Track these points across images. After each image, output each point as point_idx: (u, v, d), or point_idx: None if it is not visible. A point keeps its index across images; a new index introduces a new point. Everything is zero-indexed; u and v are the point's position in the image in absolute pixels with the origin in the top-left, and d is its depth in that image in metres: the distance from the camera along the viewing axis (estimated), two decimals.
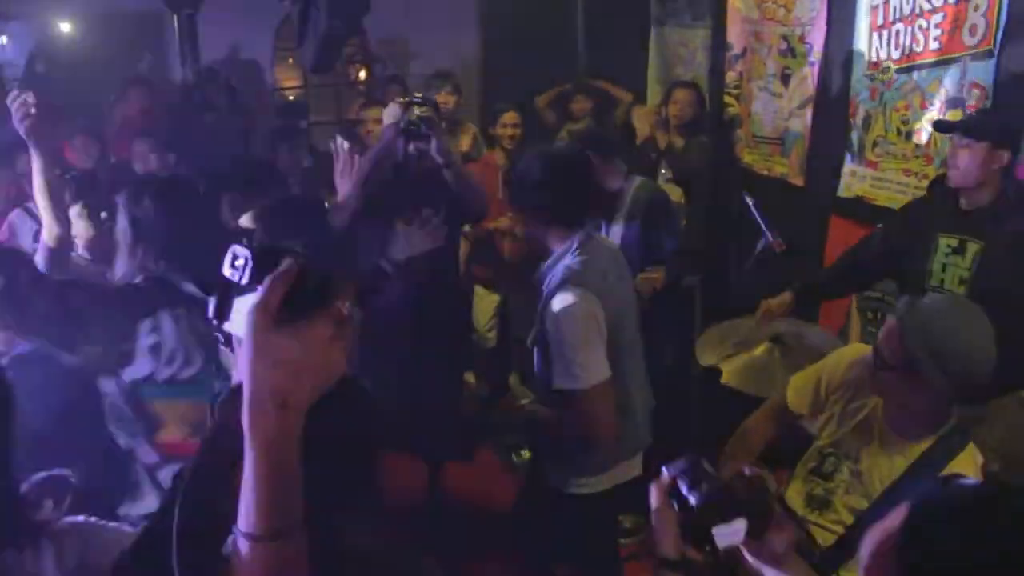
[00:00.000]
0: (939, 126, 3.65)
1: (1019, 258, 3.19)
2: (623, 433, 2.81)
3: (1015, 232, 3.22)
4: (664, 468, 1.62)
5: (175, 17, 6.31)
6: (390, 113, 3.82)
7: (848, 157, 4.75)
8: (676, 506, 1.57)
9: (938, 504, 1.18)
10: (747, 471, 1.61)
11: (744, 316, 3.75)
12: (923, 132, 4.25)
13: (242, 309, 1.01)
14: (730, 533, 1.53)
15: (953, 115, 4.06)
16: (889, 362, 2.19)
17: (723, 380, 3.36)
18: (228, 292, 1.04)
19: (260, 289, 0.98)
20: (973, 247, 3.32)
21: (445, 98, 5.65)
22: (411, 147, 3.78)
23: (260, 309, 0.97)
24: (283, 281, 0.98)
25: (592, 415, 2.70)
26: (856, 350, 2.68)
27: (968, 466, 2.20)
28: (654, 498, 1.60)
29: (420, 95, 4.12)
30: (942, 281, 3.42)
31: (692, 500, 1.55)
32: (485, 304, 5.43)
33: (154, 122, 5.59)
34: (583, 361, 2.66)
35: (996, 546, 1.11)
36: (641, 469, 3.03)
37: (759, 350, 3.44)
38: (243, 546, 1.03)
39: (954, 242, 3.39)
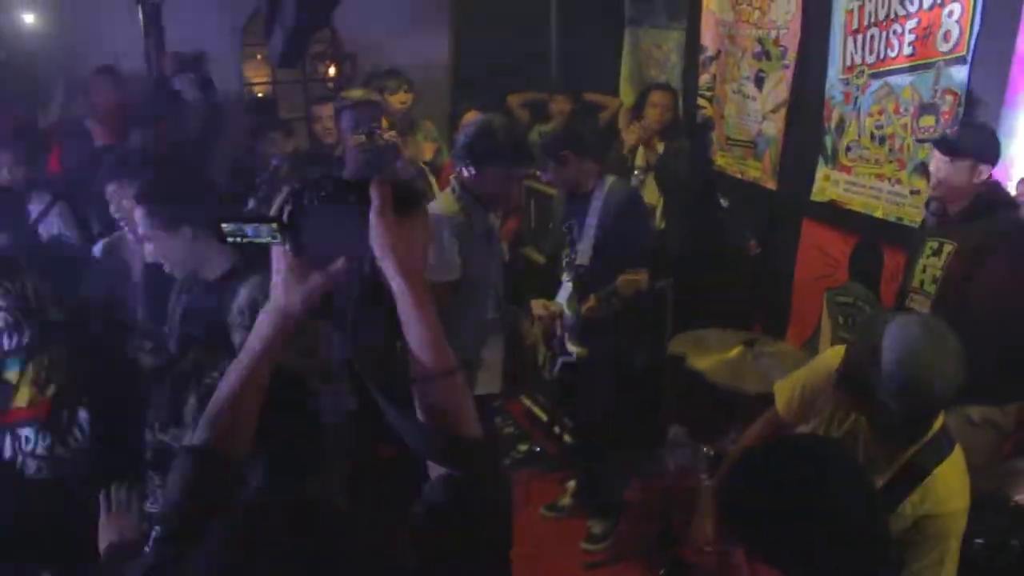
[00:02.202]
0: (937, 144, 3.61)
1: (981, 256, 3.25)
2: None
3: (983, 232, 3.27)
4: None
5: (140, 7, 6.16)
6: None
7: (821, 161, 4.74)
8: None
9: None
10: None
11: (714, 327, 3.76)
12: (896, 137, 4.25)
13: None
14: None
15: (926, 120, 4.08)
16: (850, 384, 2.17)
17: (704, 373, 3.37)
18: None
19: (375, 198, 1.25)
20: (948, 247, 3.38)
21: (402, 97, 5.59)
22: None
23: (382, 208, 1.26)
24: (385, 189, 1.26)
25: None
26: (838, 355, 2.65)
27: (956, 471, 2.18)
28: None
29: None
30: (922, 282, 3.47)
31: None
32: None
33: (123, 112, 5.47)
34: None
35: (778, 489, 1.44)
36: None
37: (734, 351, 3.43)
38: (439, 385, 1.29)
39: (935, 244, 3.45)
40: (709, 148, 5.69)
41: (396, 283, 1.28)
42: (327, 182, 1.29)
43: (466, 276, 3.37)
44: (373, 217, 1.26)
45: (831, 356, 2.48)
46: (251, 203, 4.04)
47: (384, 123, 4.18)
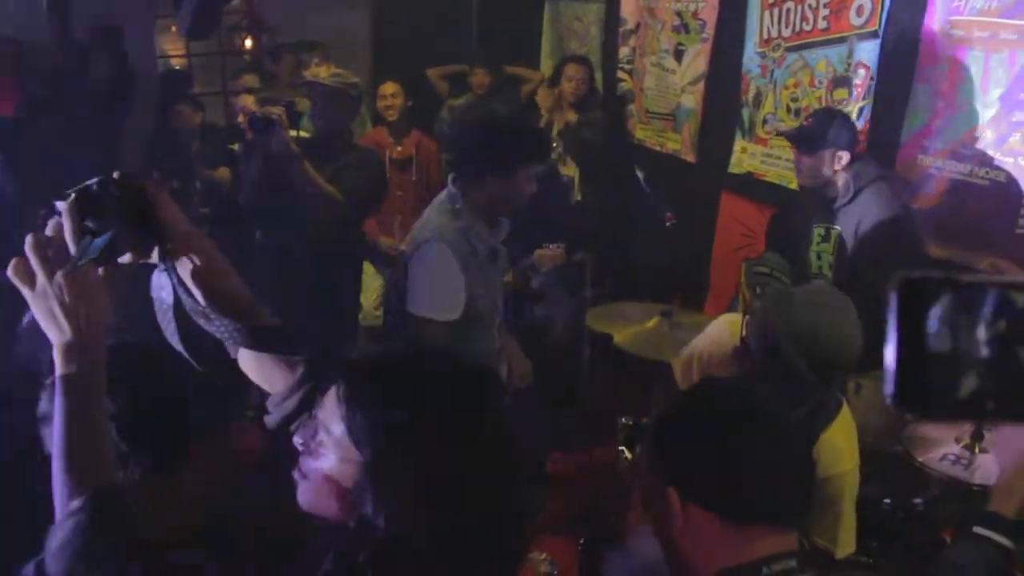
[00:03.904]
0: (791, 139, 3.66)
1: (867, 241, 3.33)
2: None
3: (859, 212, 3.37)
4: None
5: None
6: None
7: (739, 133, 4.78)
8: None
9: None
10: None
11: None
12: (811, 110, 4.30)
13: None
14: None
15: (840, 93, 4.14)
16: (754, 351, 2.18)
17: (616, 341, 3.35)
18: None
19: None
20: (834, 233, 3.49)
21: (315, 68, 5.47)
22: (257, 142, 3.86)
23: None
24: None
25: None
26: (734, 324, 2.68)
27: (844, 432, 2.22)
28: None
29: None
30: (820, 268, 3.57)
31: None
32: (372, 284, 5.28)
33: (19, 86, 5.24)
34: None
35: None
36: None
37: (650, 323, 3.45)
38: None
39: (823, 231, 3.55)
40: (628, 120, 5.70)
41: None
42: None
43: (469, 310, 2.90)
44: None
45: (725, 324, 2.50)
46: (155, 174, 3.92)
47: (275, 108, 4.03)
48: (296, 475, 1.24)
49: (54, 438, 1.27)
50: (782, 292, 2.24)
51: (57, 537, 1.23)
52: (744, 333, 2.22)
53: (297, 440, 1.24)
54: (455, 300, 2.85)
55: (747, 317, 2.26)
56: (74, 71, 5.46)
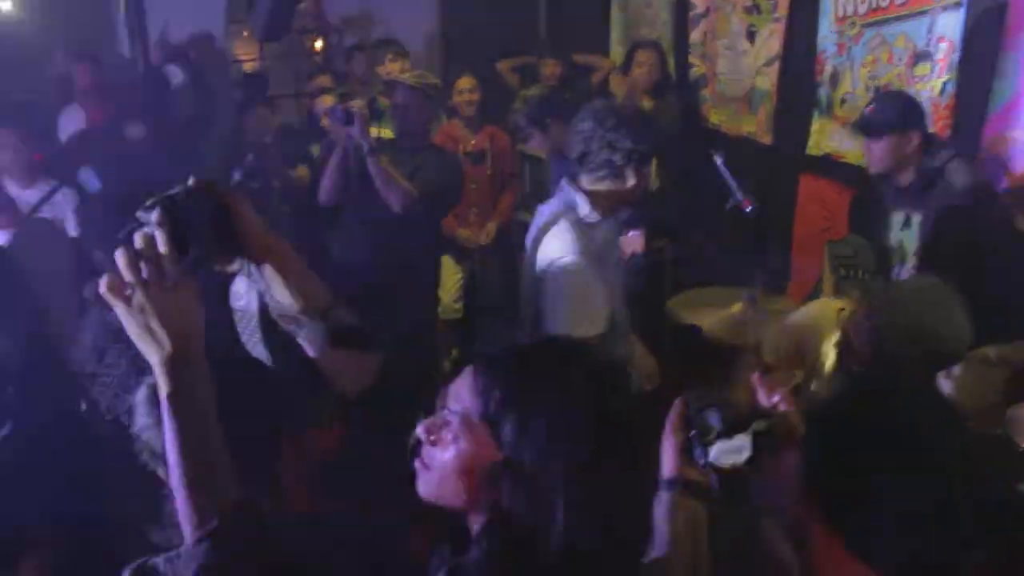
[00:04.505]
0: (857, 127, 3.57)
1: (950, 225, 3.23)
2: None
3: (941, 196, 3.26)
4: (678, 399, 1.58)
5: None
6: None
7: (816, 114, 4.69)
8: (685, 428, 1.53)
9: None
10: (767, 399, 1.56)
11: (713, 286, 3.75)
12: (891, 87, 4.21)
13: None
14: (731, 450, 1.47)
15: (921, 69, 4.04)
16: (860, 355, 2.15)
17: (706, 331, 3.34)
18: None
19: None
20: (916, 219, 3.38)
21: (391, 66, 5.53)
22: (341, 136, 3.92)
23: None
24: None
25: None
26: (830, 309, 2.66)
27: None
28: (667, 426, 1.56)
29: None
30: (903, 257, 3.47)
31: (699, 419, 1.50)
32: (451, 277, 5.33)
33: (105, 98, 5.39)
34: None
35: None
36: None
37: (735, 307, 3.42)
38: None
39: (902, 217, 3.45)
40: (702, 105, 5.65)
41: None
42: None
43: (611, 321, 2.81)
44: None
45: (821, 309, 2.47)
46: (236, 175, 4.01)
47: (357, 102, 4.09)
48: (418, 466, 1.27)
49: (169, 460, 1.23)
50: (890, 285, 2.22)
51: (190, 565, 1.21)
52: (848, 324, 2.19)
53: (420, 431, 1.27)
54: (598, 314, 2.73)
55: (849, 311, 2.24)
56: (152, 88, 5.60)
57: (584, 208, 2.77)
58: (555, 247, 2.73)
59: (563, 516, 1.17)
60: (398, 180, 3.90)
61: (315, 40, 7.41)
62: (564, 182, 2.85)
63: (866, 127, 3.37)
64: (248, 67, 7.40)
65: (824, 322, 2.50)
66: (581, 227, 2.75)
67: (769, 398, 1.74)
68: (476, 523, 1.26)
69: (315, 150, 4.99)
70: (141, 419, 1.69)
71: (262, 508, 1.27)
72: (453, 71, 5.80)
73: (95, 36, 6.46)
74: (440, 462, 1.24)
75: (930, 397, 1.48)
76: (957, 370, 3.18)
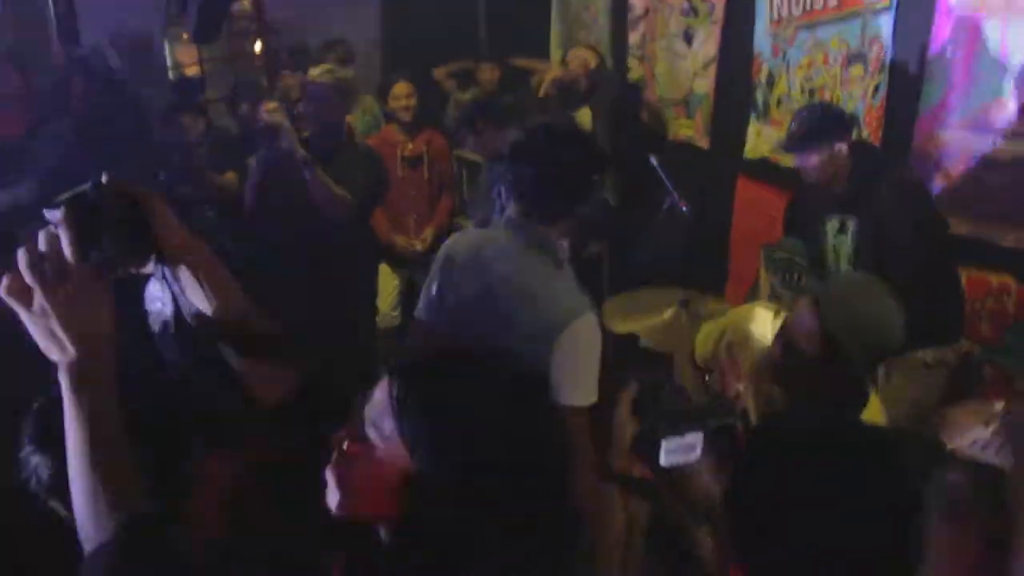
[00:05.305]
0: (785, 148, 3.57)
1: (885, 231, 3.25)
2: None
3: (876, 201, 3.28)
4: (633, 379, 1.51)
5: None
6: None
7: (753, 116, 4.69)
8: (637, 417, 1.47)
9: None
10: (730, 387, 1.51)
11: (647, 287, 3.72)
12: (826, 89, 4.21)
13: None
14: (681, 448, 1.40)
15: (855, 70, 4.04)
16: (805, 350, 2.10)
17: (642, 341, 3.29)
18: None
19: None
20: (851, 224, 3.40)
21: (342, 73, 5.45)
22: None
23: None
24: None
25: None
26: (758, 314, 2.61)
27: (874, 419, 2.18)
28: (617, 407, 1.52)
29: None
30: (836, 261, 3.49)
31: (651, 411, 1.44)
32: (388, 285, 5.24)
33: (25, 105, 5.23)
34: None
35: None
36: None
37: (667, 313, 3.38)
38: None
39: (837, 223, 3.46)
40: (640, 108, 5.62)
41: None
42: None
43: None
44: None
45: (753, 312, 2.44)
46: (161, 176, 3.91)
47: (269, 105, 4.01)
48: (330, 475, 1.23)
49: (70, 465, 1.18)
50: (828, 280, 2.19)
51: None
52: (789, 322, 2.16)
53: (337, 439, 1.24)
54: (594, 380, 2.44)
55: (788, 310, 2.21)
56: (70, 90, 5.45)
57: (560, 252, 2.50)
58: (551, 308, 2.40)
59: (477, 528, 1.14)
60: (335, 191, 3.82)
61: (254, 41, 7.30)
62: (525, 225, 2.51)
63: (792, 146, 3.39)
64: (189, 70, 7.28)
65: (763, 331, 2.48)
66: (565, 272, 2.49)
67: (733, 387, 1.69)
68: (387, 535, 1.23)
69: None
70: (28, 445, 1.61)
71: (166, 525, 1.22)
72: (393, 76, 5.73)
73: (25, 40, 6.29)
74: (354, 470, 1.22)
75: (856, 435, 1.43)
76: (895, 373, 3.22)
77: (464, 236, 2.79)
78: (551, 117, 2.62)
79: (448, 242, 2.75)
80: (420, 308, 2.71)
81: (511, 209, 2.54)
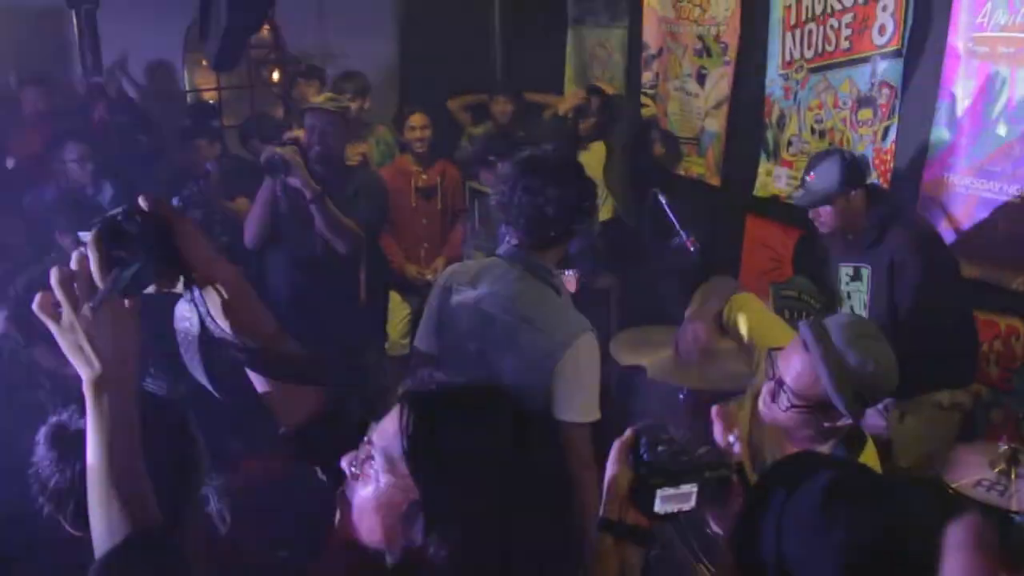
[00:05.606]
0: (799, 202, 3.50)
1: (899, 272, 3.25)
2: None
3: (891, 248, 3.27)
4: (630, 428, 1.52)
5: (74, 13, 6.01)
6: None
7: (763, 156, 4.74)
8: (632, 467, 1.47)
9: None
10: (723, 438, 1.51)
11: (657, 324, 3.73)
12: (836, 131, 4.26)
13: None
14: (677, 497, 1.42)
15: (864, 114, 4.09)
16: (802, 396, 2.07)
17: (649, 374, 3.29)
18: None
19: None
20: (865, 272, 3.38)
21: (305, 90, 5.61)
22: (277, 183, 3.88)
23: None
24: None
25: None
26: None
27: (871, 462, 2.14)
28: (612, 455, 1.51)
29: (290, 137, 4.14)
30: (851, 307, 3.47)
31: (645, 459, 1.44)
32: (399, 313, 5.28)
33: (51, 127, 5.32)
34: None
35: None
36: None
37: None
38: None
39: (851, 270, 3.45)
40: (652, 145, 5.68)
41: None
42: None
43: None
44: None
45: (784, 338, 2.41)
46: (176, 201, 3.95)
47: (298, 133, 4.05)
48: (339, 498, 1.25)
49: (88, 478, 1.23)
50: (822, 334, 2.14)
51: None
52: (775, 369, 2.14)
53: (344, 465, 1.26)
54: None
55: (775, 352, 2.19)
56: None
57: (559, 282, 2.66)
58: (557, 331, 2.52)
59: (477, 561, 1.15)
60: (344, 223, 3.87)
61: (273, 70, 7.40)
62: (521, 253, 2.63)
63: (809, 200, 3.34)
64: (208, 96, 7.37)
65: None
66: (564, 297, 2.64)
67: (725, 437, 1.68)
68: (391, 562, 1.22)
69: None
70: (41, 452, 1.65)
71: (166, 536, 1.26)
72: (410, 107, 5.80)
73: (48, 62, 6.39)
74: (360, 497, 1.23)
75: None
76: (909, 415, 3.22)
77: (461, 266, 2.89)
78: (541, 150, 2.66)
79: (444, 272, 2.85)
80: (419, 338, 2.80)
81: (509, 237, 2.67)
